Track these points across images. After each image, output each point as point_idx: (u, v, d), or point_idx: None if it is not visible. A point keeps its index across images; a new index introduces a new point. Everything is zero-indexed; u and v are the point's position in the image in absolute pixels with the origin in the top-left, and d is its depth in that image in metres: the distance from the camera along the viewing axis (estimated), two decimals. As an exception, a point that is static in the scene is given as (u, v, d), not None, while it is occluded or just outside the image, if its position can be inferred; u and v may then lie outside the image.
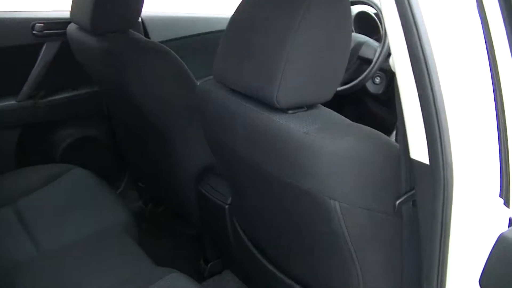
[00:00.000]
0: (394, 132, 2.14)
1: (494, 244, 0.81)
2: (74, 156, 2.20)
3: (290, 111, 1.03)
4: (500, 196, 0.89)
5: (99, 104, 2.23)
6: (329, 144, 0.98)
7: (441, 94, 0.84)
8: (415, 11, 0.84)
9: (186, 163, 1.71)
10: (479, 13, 0.87)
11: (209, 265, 1.94)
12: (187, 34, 2.37)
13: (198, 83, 1.40)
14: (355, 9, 2.37)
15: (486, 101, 0.88)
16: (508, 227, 0.92)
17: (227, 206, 1.55)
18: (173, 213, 2.16)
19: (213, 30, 2.41)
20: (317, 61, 1.01)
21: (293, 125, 1.01)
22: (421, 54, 0.84)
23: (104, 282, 1.36)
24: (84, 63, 1.87)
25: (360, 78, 2.03)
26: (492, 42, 0.88)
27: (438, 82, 0.84)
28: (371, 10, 2.30)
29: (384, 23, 2.12)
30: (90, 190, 1.79)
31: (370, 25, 2.22)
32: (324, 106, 1.10)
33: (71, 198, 1.74)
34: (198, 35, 2.39)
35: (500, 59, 0.87)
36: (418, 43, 0.84)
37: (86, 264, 1.45)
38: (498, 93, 0.90)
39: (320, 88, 1.04)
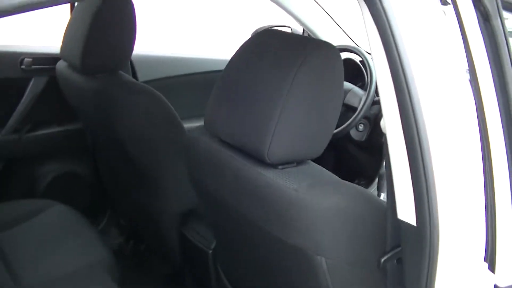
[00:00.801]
0: (376, 180, 2.17)
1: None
2: (56, 192, 2.18)
3: (280, 167, 1.05)
4: (485, 260, 0.91)
5: (83, 141, 2.23)
6: (318, 202, 0.99)
7: (430, 160, 0.87)
8: (407, 72, 0.87)
9: (170, 205, 1.70)
10: (470, 81, 0.90)
11: None
12: (172, 74, 2.39)
13: (186, 127, 1.40)
14: (341, 56, 2.42)
15: (474, 166, 0.90)
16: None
17: (210, 251, 1.54)
18: (154, 252, 2.15)
19: (198, 71, 2.44)
20: (309, 119, 1.03)
21: (283, 181, 1.02)
22: (412, 120, 0.86)
23: None
24: (71, 100, 1.87)
25: (344, 125, 2.06)
26: (483, 108, 0.91)
27: (429, 148, 0.86)
28: (357, 58, 2.35)
29: (369, 72, 2.17)
30: (71, 226, 1.78)
31: (355, 72, 2.26)
32: None
33: (52, 234, 1.73)
34: (183, 75, 2.42)
35: (490, 129, 0.90)
36: (410, 108, 0.86)
37: None
38: (486, 156, 0.93)
39: (311, 144, 1.06)
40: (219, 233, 1.42)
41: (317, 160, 1.11)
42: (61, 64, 1.86)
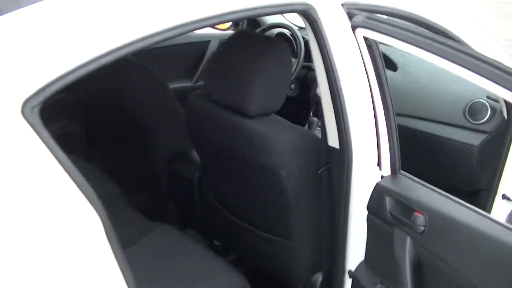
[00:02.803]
0: (306, 126, 2.86)
1: (373, 189, 1.53)
2: None
3: (256, 117, 1.69)
4: (378, 165, 1.60)
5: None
6: (280, 135, 1.65)
7: (346, 108, 1.53)
8: (333, 62, 1.52)
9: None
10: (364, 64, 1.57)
11: None
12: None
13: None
14: (275, 31, 3.07)
15: (367, 112, 1.58)
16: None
17: (195, 179, 2.18)
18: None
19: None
20: (272, 86, 1.68)
21: (258, 126, 1.67)
22: (335, 87, 1.52)
23: None
24: (201, 127, 2.04)
25: None
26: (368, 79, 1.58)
27: (344, 101, 1.52)
28: (288, 32, 3.00)
29: (298, 43, 2.81)
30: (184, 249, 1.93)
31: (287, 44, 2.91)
32: None
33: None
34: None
35: (374, 89, 1.56)
36: (334, 82, 1.52)
37: None
38: (384, 105, 1.59)
39: (274, 102, 1.71)
40: (207, 164, 2.05)
41: None
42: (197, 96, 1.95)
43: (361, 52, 1.43)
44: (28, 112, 0.96)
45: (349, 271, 1.74)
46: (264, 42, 1.77)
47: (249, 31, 2.39)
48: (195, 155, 2.21)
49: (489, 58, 1.21)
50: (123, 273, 1.11)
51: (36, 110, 0.98)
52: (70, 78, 1.00)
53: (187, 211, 2.38)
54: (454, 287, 1.29)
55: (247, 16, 1.51)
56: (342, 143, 1.58)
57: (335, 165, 1.65)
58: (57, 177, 0.99)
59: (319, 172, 1.72)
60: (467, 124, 2.32)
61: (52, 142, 0.99)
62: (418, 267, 1.37)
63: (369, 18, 1.37)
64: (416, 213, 1.34)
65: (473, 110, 2.30)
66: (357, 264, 1.71)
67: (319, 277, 1.91)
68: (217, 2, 1.25)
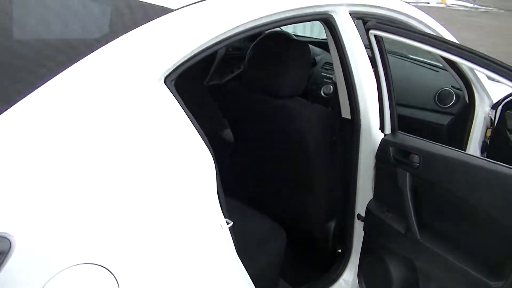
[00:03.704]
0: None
1: (380, 143, 2.09)
2: None
3: (285, 98, 2.25)
4: (380, 128, 2.16)
5: None
6: (303, 110, 2.22)
7: (356, 88, 2.10)
8: (346, 54, 2.08)
9: None
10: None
11: None
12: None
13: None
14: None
15: (374, 90, 2.14)
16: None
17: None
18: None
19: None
20: (297, 74, 2.24)
21: (287, 103, 2.23)
22: (347, 73, 2.09)
23: None
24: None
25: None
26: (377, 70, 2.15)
27: (355, 82, 2.09)
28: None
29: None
30: None
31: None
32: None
33: None
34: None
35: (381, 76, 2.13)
36: (347, 70, 2.08)
37: None
38: (387, 84, 2.15)
39: (298, 86, 2.27)
40: (242, 137, 2.57)
41: None
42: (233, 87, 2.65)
43: (371, 46, 1.99)
44: (168, 83, 1.48)
45: (358, 215, 2.28)
46: (289, 41, 2.34)
47: (274, 33, 2.91)
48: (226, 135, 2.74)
49: (462, 45, 1.79)
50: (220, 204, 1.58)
51: (173, 82, 1.49)
52: (197, 58, 1.53)
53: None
54: (441, 202, 1.86)
55: (279, 25, 1.90)
56: (353, 113, 2.14)
57: (348, 131, 2.21)
58: (186, 128, 1.49)
59: (334, 138, 2.28)
60: (437, 108, 2.93)
61: (182, 102, 1.50)
62: (415, 194, 1.93)
63: (378, 22, 1.94)
64: (412, 155, 1.91)
65: (441, 96, 2.92)
66: (364, 208, 2.26)
67: (332, 223, 2.46)
68: (253, 14, 1.70)
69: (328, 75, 3.25)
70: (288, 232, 2.26)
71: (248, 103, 2.37)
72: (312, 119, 2.24)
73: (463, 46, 1.75)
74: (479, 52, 1.72)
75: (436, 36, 1.95)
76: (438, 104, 2.93)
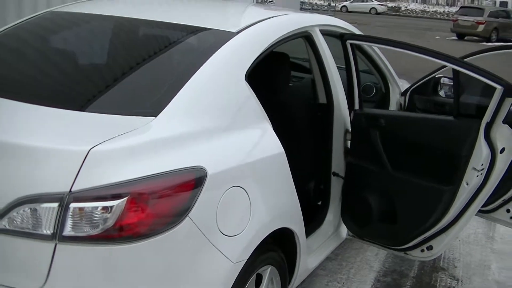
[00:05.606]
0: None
1: (353, 114, 3.08)
2: None
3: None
4: (348, 108, 3.15)
5: None
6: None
7: (330, 82, 3.07)
8: (322, 61, 3.05)
9: None
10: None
11: None
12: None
13: None
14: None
15: (339, 82, 3.12)
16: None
17: None
18: None
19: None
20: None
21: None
22: (323, 71, 3.06)
23: None
24: None
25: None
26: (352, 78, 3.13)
27: (329, 80, 3.06)
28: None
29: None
30: None
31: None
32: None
33: None
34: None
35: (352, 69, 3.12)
36: (325, 72, 3.05)
37: None
38: (357, 76, 3.14)
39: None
40: None
41: None
42: None
43: (347, 52, 2.98)
44: (247, 80, 2.34)
45: (333, 172, 3.22)
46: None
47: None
48: None
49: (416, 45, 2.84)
50: None
51: (246, 78, 2.36)
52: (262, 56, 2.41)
53: None
54: (401, 145, 2.90)
55: (285, 42, 2.86)
56: (328, 99, 3.09)
57: (325, 112, 3.14)
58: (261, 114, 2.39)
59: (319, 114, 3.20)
60: (364, 98, 4.01)
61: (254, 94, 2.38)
62: (384, 143, 2.92)
63: (353, 35, 2.94)
64: (380, 119, 2.92)
65: (366, 89, 4.01)
66: (337, 167, 3.20)
67: (312, 183, 3.38)
68: None
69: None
70: None
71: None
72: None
73: (410, 43, 2.81)
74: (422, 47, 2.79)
75: (387, 38, 3.01)
76: (363, 95, 4.01)
